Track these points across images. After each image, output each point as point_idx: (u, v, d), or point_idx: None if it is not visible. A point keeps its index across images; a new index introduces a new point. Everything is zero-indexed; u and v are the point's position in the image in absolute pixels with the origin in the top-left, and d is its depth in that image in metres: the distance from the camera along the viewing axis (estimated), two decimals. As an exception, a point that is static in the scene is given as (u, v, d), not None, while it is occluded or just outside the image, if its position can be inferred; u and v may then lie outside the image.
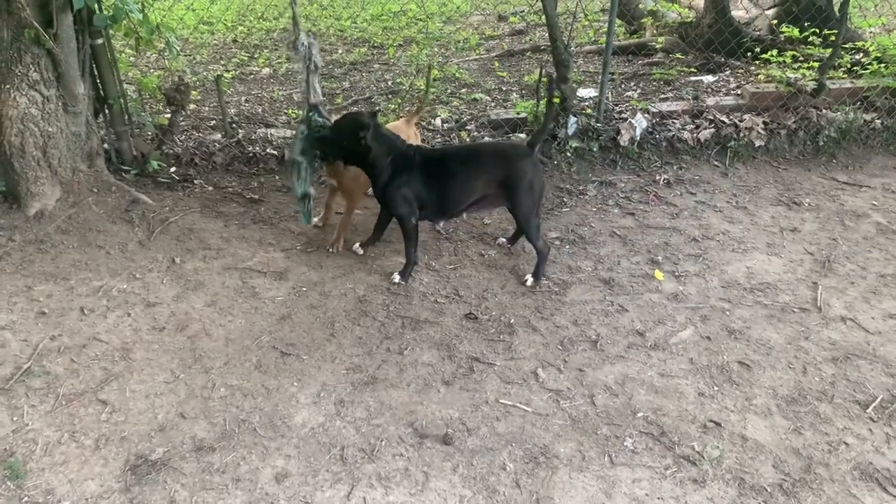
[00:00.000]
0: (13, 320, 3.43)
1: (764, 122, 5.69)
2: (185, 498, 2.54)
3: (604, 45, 5.55)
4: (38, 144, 4.14)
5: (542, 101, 5.39)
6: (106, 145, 4.83)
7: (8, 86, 3.97)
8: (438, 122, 5.77)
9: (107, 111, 4.74)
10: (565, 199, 4.91)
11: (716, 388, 3.17)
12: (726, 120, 5.68)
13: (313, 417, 2.93)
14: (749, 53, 7.00)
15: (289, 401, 3.01)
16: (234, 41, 8.79)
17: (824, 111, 5.81)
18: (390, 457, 2.75)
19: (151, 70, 7.20)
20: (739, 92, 6.20)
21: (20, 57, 3.94)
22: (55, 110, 4.16)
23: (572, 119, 5.39)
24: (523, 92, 6.66)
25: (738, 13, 7.90)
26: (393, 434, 2.85)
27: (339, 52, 8.33)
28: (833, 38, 5.93)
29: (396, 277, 3.88)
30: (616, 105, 5.91)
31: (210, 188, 4.87)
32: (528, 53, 8.21)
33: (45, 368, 3.13)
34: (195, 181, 4.90)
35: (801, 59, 6.45)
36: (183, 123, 5.38)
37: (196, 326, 3.47)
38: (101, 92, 4.65)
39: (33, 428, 2.81)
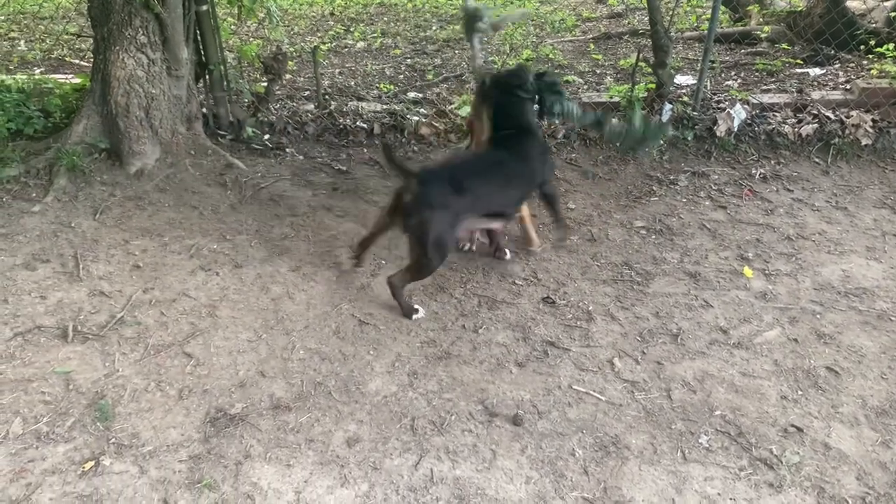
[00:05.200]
0: (110, 271, 3.61)
1: (873, 120, 5.37)
2: (260, 453, 2.62)
3: (706, 31, 5.36)
4: (142, 105, 4.32)
5: (637, 87, 5.26)
6: (204, 110, 5.00)
7: (117, 47, 4.15)
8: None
9: (207, 77, 4.90)
10: (654, 188, 4.79)
11: (800, 393, 3.04)
12: (831, 115, 5.40)
13: (386, 386, 2.97)
14: (862, 46, 6.62)
15: (364, 368, 3.07)
16: (332, 14, 8.92)
17: (942, 111, 5.45)
18: (459, 432, 2.76)
19: (251, 39, 7.39)
20: (848, 87, 5.87)
21: (130, 20, 4.11)
22: (159, 73, 4.33)
23: (667, 106, 5.24)
24: (618, 76, 6.50)
25: (853, 3, 7.47)
26: (463, 410, 2.87)
27: (434, 28, 8.34)
28: (958, 33, 5.55)
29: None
30: (714, 94, 5.71)
31: (300, 157, 4.98)
32: (625, 37, 8.01)
33: (136, 319, 3.29)
34: (287, 149, 5.02)
35: (921, 54, 6.07)
36: (278, 92, 5.50)
37: (280, 290, 3.56)
38: (203, 58, 4.81)
39: (123, 374, 2.96)
